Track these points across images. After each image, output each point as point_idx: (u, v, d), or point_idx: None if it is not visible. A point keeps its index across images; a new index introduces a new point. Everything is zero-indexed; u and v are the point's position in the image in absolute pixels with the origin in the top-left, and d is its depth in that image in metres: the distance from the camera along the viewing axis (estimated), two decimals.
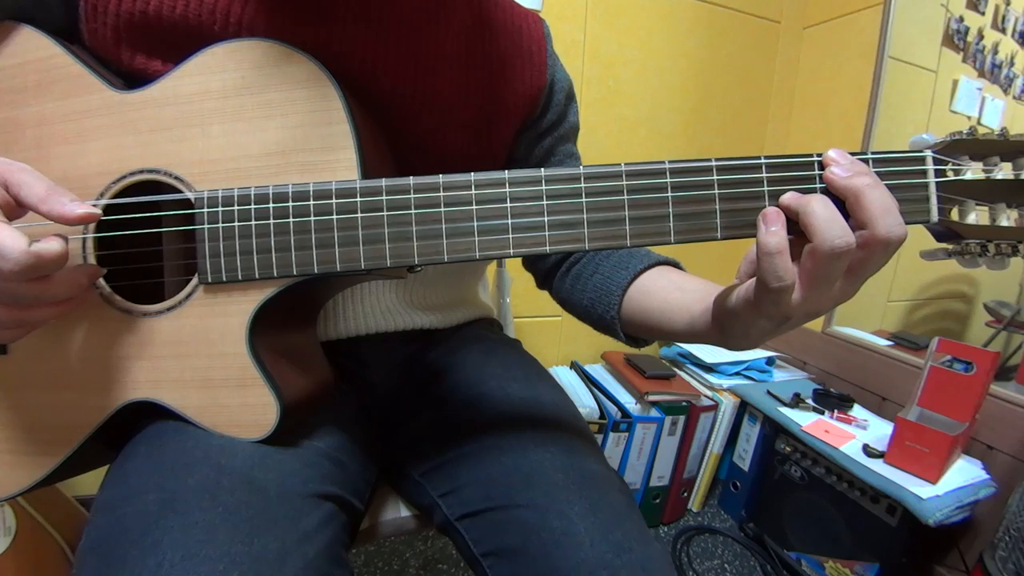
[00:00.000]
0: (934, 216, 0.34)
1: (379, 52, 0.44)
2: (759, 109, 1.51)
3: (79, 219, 0.33)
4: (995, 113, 1.20)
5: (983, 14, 1.18)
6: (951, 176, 0.35)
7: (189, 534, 0.31)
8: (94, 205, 0.34)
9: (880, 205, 0.31)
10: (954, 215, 0.35)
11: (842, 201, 0.32)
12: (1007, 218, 0.35)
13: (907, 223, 0.32)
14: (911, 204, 0.34)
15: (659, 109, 1.38)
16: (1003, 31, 1.18)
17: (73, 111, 0.39)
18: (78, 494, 0.88)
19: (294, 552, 0.33)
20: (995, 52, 1.18)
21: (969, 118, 1.21)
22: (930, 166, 0.34)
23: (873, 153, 0.34)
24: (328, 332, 0.53)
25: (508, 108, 0.52)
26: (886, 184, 0.32)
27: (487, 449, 0.47)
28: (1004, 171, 0.35)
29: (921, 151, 0.35)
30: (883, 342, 1.26)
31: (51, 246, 0.31)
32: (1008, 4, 1.17)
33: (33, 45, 0.39)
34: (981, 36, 1.18)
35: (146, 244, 0.40)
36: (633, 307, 0.49)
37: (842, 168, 0.33)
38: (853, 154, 0.34)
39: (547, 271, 0.60)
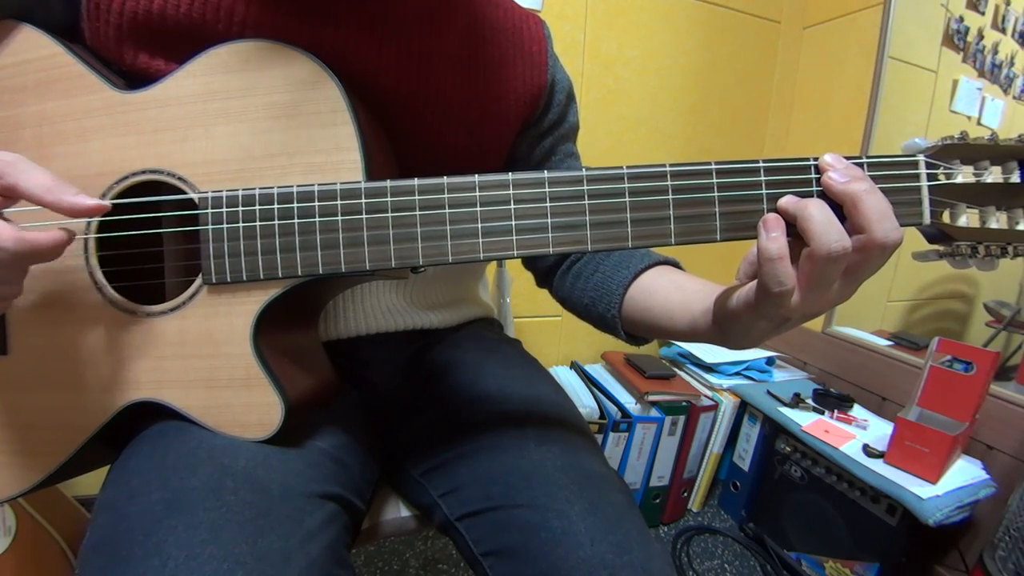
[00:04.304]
0: (926, 218, 0.35)
1: (382, 53, 0.44)
2: (759, 109, 1.51)
3: (89, 210, 0.32)
4: (995, 113, 1.20)
5: (983, 14, 1.18)
6: (943, 180, 0.36)
7: (193, 534, 0.31)
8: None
9: (877, 210, 0.31)
10: (945, 217, 0.36)
11: (839, 205, 0.33)
12: (996, 220, 0.36)
13: (900, 225, 0.33)
14: (904, 207, 0.35)
15: (659, 109, 1.38)
16: (1003, 31, 1.18)
17: (74, 111, 0.39)
18: (78, 494, 0.88)
19: (297, 552, 0.33)
20: (995, 52, 1.18)
21: (969, 118, 1.21)
22: (922, 170, 0.35)
23: (867, 157, 0.35)
24: (329, 332, 0.53)
25: (509, 108, 0.52)
26: (880, 187, 0.33)
27: (487, 449, 0.47)
28: (994, 175, 0.36)
29: (914, 155, 0.35)
30: (883, 342, 1.26)
31: (45, 234, 0.32)
32: (1008, 4, 1.17)
33: (34, 44, 0.39)
34: (981, 36, 1.18)
35: (148, 245, 0.40)
36: (634, 306, 0.49)
37: (839, 173, 0.33)
38: (848, 158, 0.34)
39: (547, 269, 0.60)
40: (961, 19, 1.18)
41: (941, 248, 0.37)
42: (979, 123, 1.21)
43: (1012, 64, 1.18)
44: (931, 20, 1.19)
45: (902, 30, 1.21)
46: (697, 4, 1.35)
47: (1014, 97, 1.18)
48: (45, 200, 0.32)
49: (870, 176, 0.34)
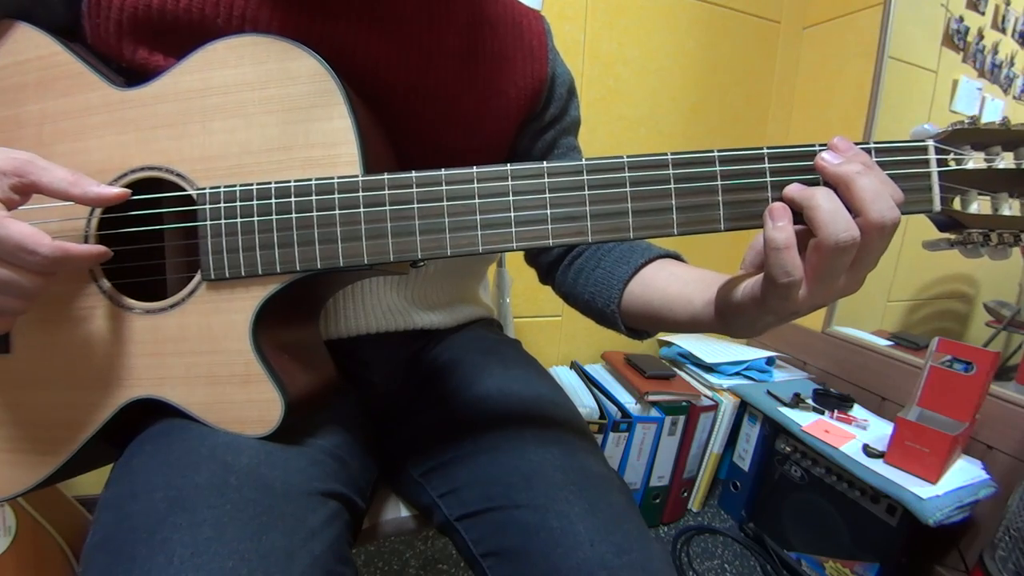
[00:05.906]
0: (936, 205, 0.34)
1: (382, 47, 0.44)
2: (759, 109, 1.51)
3: (113, 199, 0.34)
4: (995, 113, 1.20)
5: (983, 14, 1.18)
6: (953, 166, 0.34)
7: (197, 531, 0.31)
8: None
9: (871, 191, 0.31)
10: (956, 204, 0.35)
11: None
12: (1009, 207, 0.35)
13: (910, 212, 0.32)
14: (914, 193, 0.34)
15: (659, 109, 1.38)
16: (1003, 31, 1.18)
17: (73, 109, 0.39)
18: (78, 494, 0.88)
19: (301, 549, 0.33)
20: (995, 52, 1.18)
21: None
22: (932, 155, 0.34)
23: (876, 143, 0.34)
24: (329, 332, 0.53)
25: (510, 103, 0.52)
26: (888, 174, 0.32)
27: (486, 449, 0.47)
28: (1006, 160, 0.35)
29: (923, 141, 0.34)
30: (883, 342, 1.26)
31: (82, 246, 0.33)
32: (1008, 4, 1.17)
33: (33, 43, 0.39)
34: (981, 36, 1.18)
35: (148, 241, 0.40)
36: (634, 300, 0.49)
37: (833, 155, 0.33)
38: (856, 144, 0.34)
39: (549, 265, 0.60)
40: (961, 19, 1.18)
41: (952, 237, 0.36)
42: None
43: (1012, 64, 1.18)
44: (931, 20, 1.19)
45: (902, 30, 1.21)
46: (697, 4, 1.35)
47: (1014, 97, 1.18)
48: (71, 194, 0.33)
49: (878, 162, 0.33)
